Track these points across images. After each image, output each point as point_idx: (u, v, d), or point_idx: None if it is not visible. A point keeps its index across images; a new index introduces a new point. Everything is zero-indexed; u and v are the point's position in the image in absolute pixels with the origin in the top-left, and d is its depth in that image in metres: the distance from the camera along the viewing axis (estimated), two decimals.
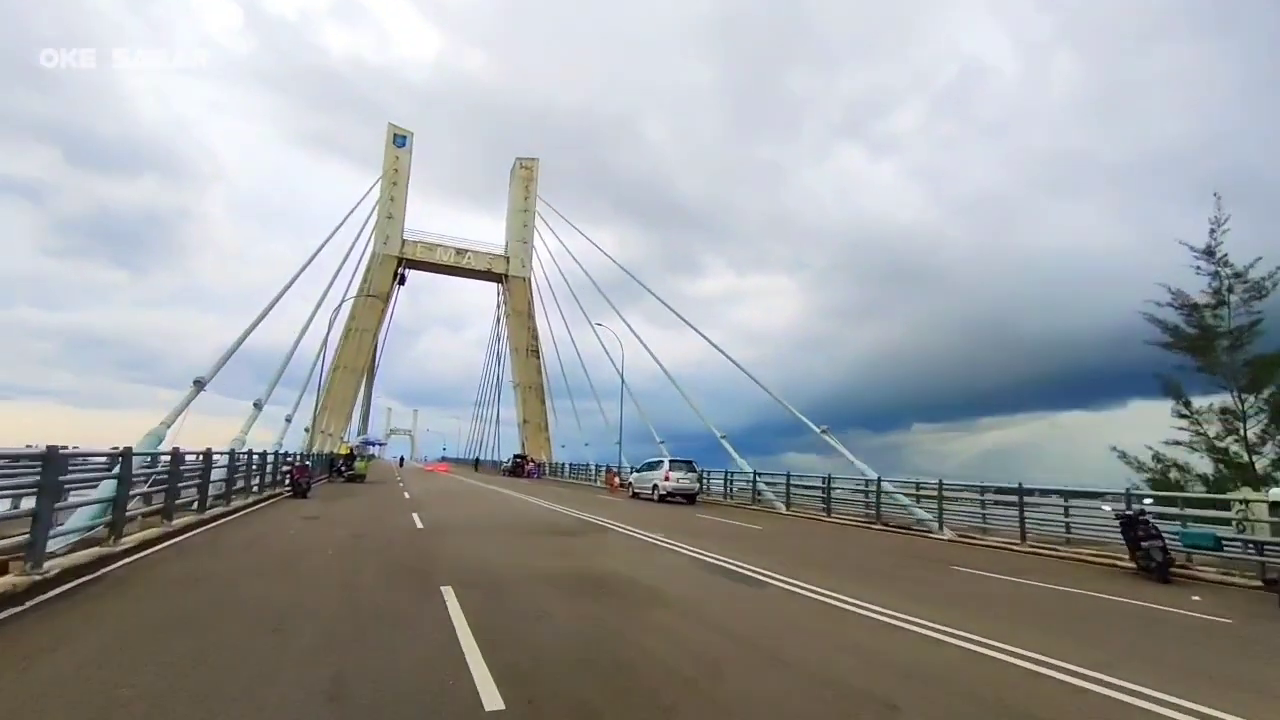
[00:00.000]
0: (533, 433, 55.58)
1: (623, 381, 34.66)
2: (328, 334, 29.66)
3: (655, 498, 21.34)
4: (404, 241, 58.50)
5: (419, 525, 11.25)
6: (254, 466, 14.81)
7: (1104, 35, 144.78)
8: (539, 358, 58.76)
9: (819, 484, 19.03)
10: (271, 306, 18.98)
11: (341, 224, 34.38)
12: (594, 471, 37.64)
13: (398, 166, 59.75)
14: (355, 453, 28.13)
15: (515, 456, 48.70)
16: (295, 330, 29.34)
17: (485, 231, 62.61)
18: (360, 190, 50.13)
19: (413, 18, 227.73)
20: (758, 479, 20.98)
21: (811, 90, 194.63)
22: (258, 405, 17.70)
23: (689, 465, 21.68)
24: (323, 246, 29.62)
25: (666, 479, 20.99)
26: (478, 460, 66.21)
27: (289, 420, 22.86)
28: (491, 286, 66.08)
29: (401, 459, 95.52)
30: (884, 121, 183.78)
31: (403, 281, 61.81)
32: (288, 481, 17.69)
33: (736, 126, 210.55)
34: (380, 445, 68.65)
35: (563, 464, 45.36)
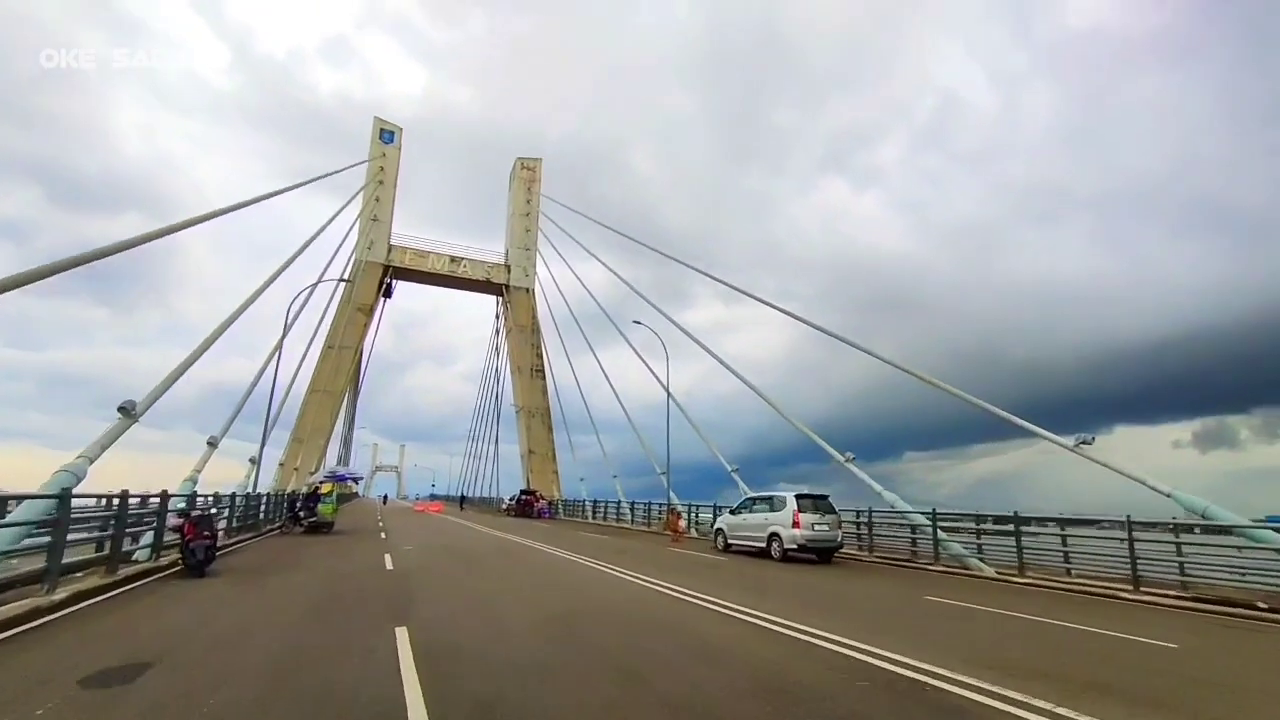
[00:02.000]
0: (539, 464, 47.62)
1: (669, 395, 27.28)
2: (286, 330, 22.14)
3: (775, 554, 13.84)
4: (391, 247, 51.42)
5: None
6: (65, 525, 7.21)
7: (1076, 69, 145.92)
8: (545, 379, 51.25)
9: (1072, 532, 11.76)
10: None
11: (291, 182, 26.74)
12: (630, 511, 29.79)
13: (384, 165, 53.12)
14: (321, 492, 20.11)
15: (522, 493, 40.76)
16: (289, 365, 21.93)
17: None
18: (348, 220, 42.67)
19: (400, 57, 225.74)
20: (938, 526, 13.51)
21: (796, 123, 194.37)
22: (125, 411, 10.15)
23: (824, 503, 14.21)
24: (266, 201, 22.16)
25: (796, 525, 13.51)
26: (463, 497, 58.21)
27: (213, 445, 15.04)
28: (488, 304, 59.16)
29: (385, 497, 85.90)
30: (867, 154, 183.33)
31: (389, 294, 54.73)
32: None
33: (723, 159, 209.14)
34: (358, 480, 59.56)
35: (580, 501, 37.20)
